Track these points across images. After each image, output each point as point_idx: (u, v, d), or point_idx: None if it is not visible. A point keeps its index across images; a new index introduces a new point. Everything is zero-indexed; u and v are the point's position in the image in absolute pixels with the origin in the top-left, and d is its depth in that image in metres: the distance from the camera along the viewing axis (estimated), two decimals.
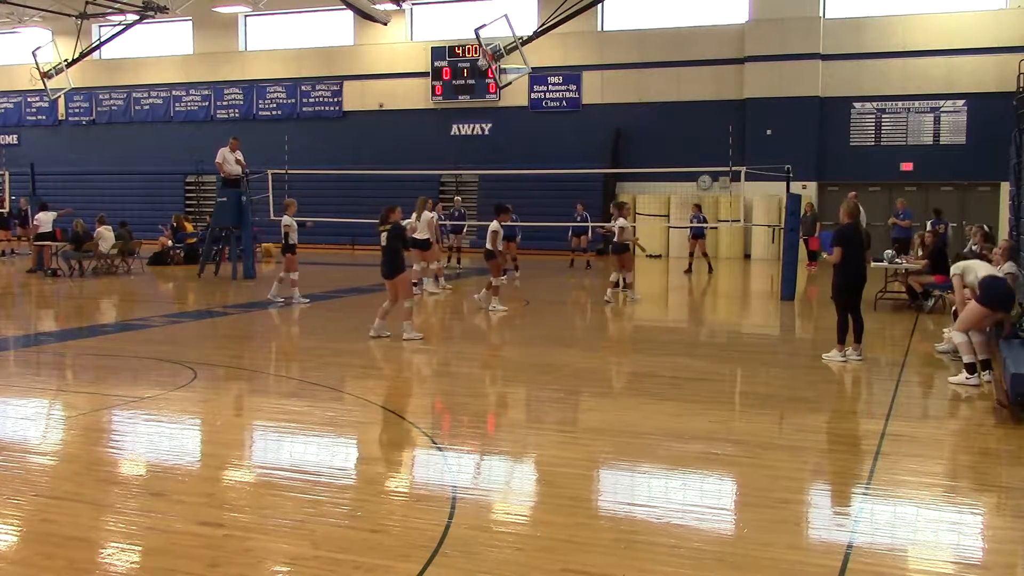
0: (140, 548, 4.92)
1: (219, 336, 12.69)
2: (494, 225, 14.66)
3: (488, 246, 14.60)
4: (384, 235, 11.57)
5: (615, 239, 15.97)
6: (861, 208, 10.63)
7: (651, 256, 26.64)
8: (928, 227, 18.67)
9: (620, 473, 6.38)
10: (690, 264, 22.40)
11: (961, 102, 25.76)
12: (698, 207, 23.30)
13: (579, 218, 23.56)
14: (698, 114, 27.49)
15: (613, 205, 16.62)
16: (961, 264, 9.79)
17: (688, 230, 22.98)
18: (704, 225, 22.70)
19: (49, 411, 8.33)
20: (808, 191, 24.97)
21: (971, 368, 8.98)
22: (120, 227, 21.53)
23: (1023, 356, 8.14)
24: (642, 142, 28.15)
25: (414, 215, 16.33)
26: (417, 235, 16.14)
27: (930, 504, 5.82)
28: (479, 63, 24.68)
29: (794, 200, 16.59)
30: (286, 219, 15.39)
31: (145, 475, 6.30)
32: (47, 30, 31.31)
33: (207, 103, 33.94)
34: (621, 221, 15.78)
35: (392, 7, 28.66)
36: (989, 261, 10.47)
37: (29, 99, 35.76)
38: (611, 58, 28.92)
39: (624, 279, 16.19)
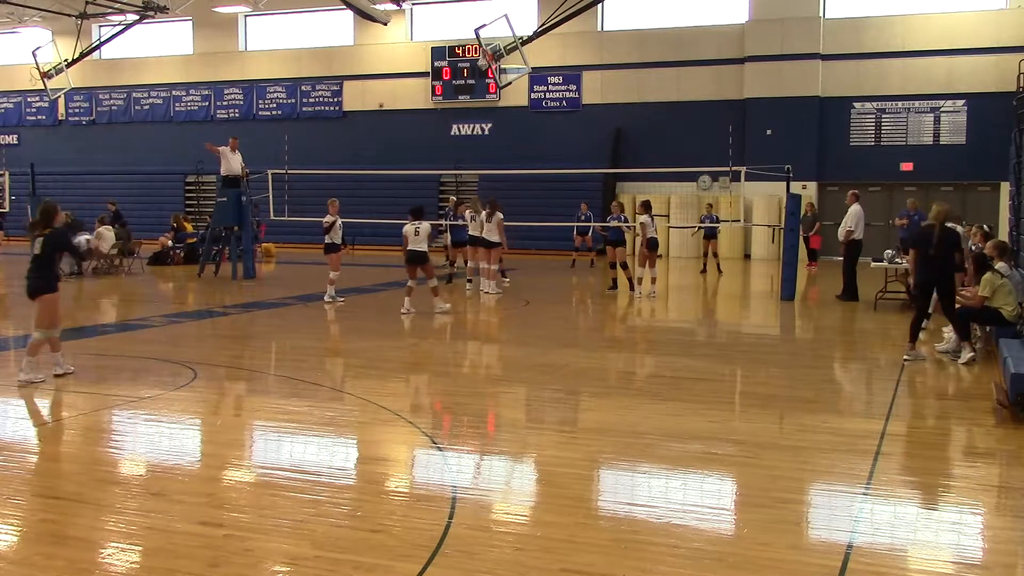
0: (140, 548, 4.92)
1: (219, 336, 12.69)
2: (427, 225, 14.13)
3: (425, 248, 14.02)
4: None
5: (650, 236, 16.38)
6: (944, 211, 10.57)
7: None
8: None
9: (620, 473, 6.38)
10: (704, 264, 22.48)
11: (961, 102, 25.76)
12: (710, 206, 23.43)
13: (583, 217, 23.59)
14: (698, 114, 27.49)
15: (642, 204, 16.92)
16: (995, 285, 10.00)
17: (701, 230, 23.13)
18: (715, 225, 22.76)
19: (49, 411, 8.32)
20: (808, 191, 24.98)
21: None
22: (120, 227, 21.54)
23: (1023, 356, 8.14)
24: (642, 142, 28.15)
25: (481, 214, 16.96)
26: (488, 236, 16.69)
27: (930, 504, 5.83)
28: (479, 63, 24.67)
29: (794, 200, 16.59)
30: (328, 218, 15.51)
31: (145, 475, 6.29)
32: (47, 30, 31.31)
33: (207, 103, 33.95)
34: (646, 218, 16.46)
35: (392, 7, 28.65)
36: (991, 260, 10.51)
37: (29, 99, 35.77)
38: (611, 58, 28.92)
39: (649, 276, 16.60)
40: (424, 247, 14.03)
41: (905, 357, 10.25)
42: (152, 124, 34.67)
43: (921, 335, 10.79)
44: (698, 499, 5.79)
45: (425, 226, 14.08)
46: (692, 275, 21.88)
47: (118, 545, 4.98)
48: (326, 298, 15.49)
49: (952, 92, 25.76)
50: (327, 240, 15.53)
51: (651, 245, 16.50)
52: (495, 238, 16.66)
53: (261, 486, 6.02)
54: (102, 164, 34.21)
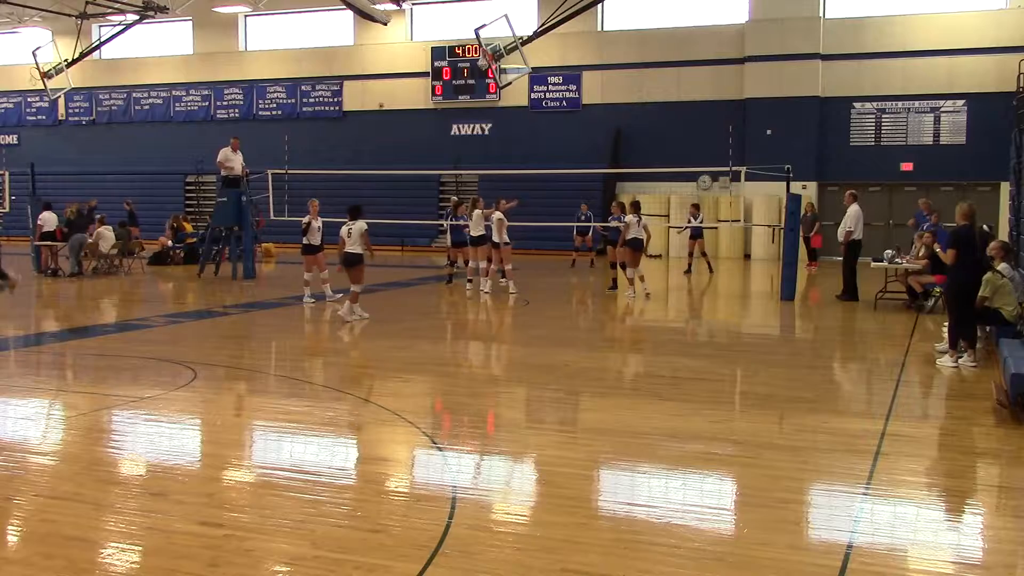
0: (140, 548, 4.92)
1: (219, 336, 12.68)
2: (361, 224, 13.17)
3: (359, 250, 13.17)
4: None
5: (632, 236, 16.26)
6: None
7: (651, 256, 26.63)
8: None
9: (620, 473, 6.38)
10: (689, 264, 22.45)
11: (961, 102, 25.76)
12: (696, 207, 23.37)
13: (583, 217, 23.59)
14: (698, 114, 27.48)
15: (631, 204, 16.78)
16: (996, 285, 9.80)
17: (688, 230, 23.05)
18: (702, 225, 22.75)
19: (49, 411, 8.33)
20: (808, 191, 24.97)
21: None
22: (119, 227, 21.53)
23: (1023, 356, 8.14)
24: (642, 142, 28.14)
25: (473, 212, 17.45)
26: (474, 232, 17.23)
27: (930, 504, 5.82)
28: (479, 63, 24.64)
29: (794, 200, 16.59)
30: (306, 219, 15.44)
31: (145, 475, 6.30)
32: (47, 30, 31.30)
33: (207, 103, 33.95)
34: (630, 217, 16.36)
35: (392, 7, 28.65)
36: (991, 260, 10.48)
37: (29, 99, 35.77)
38: (611, 58, 28.91)
39: (637, 275, 16.54)
40: (358, 249, 13.13)
41: (951, 364, 9.95)
42: (152, 124, 34.67)
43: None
44: (698, 499, 5.79)
45: (357, 226, 13.11)
46: (691, 276, 21.86)
47: (118, 545, 4.98)
48: (305, 299, 15.38)
49: (952, 92, 25.75)
50: (304, 241, 15.47)
51: (632, 244, 16.43)
52: (500, 238, 16.93)
53: (261, 486, 6.02)
54: (102, 164, 34.18)
